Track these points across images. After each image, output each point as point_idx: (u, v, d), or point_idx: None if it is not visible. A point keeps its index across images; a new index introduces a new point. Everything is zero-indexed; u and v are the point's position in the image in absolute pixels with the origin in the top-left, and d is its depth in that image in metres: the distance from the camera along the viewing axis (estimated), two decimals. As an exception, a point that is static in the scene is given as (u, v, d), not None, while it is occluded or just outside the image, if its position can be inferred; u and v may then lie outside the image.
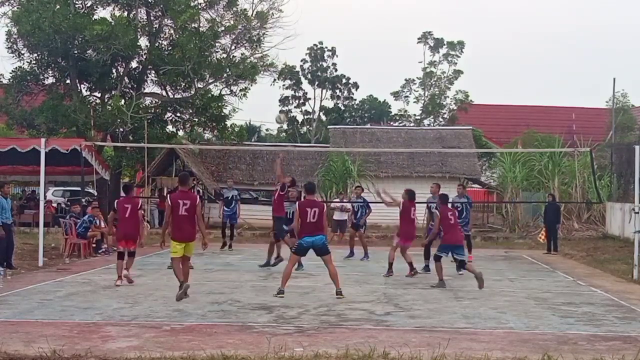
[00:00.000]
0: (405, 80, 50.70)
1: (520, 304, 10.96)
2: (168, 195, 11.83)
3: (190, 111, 28.38)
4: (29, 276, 13.48)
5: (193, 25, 26.59)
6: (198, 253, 15.95)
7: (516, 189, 28.35)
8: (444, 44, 49.03)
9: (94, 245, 17.85)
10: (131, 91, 27.20)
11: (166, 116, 28.50)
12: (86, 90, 27.66)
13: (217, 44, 27.30)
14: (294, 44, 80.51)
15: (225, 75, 27.34)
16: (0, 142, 17.71)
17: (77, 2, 26.19)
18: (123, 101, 25.63)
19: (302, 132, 52.07)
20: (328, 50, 51.42)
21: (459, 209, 16.61)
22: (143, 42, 27.27)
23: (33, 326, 8.77)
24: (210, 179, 28.76)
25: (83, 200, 20.12)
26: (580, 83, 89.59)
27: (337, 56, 51.56)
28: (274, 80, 40.26)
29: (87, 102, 26.84)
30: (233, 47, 27.94)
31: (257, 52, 28.12)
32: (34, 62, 26.44)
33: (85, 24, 24.23)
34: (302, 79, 51.58)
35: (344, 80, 52.15)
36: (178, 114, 28.66)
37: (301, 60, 51.08)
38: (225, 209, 19.49)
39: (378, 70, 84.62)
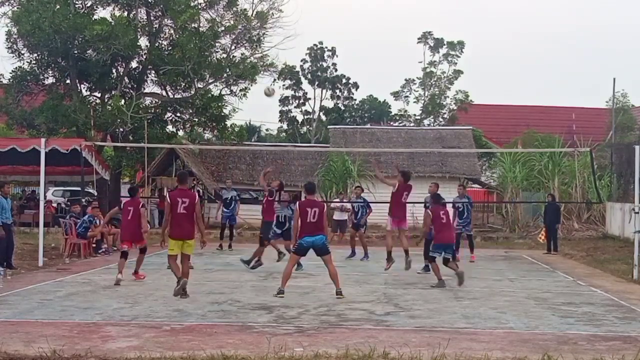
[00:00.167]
0: (405, 80, 50.75)
1: (520, 304, 10.96)
2: (167, 193, 11.90)
3: (190, 111, 28.37)
4: (29, 276, 13.48)
5: (193, 25, 26.59)
6: (198, 253, 15.96)
7: (516, 189, 28.35)
8: (444, 44, 49.02)
9: (94, 245, 17.85)
10: (131, 91, 27.19)
11: (166, 116, 28.50)
12: (86, 90, 27.66)
13: (217, 44, 27.31)
14: (294, 44, 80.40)
15: (225, 75, 27.34)
16: (0, 142, 17.69)
17: (77, 2, 26.17)
18: (123, 101, 25.62)
19: (302, 132, 52.07)
20: (328, 50, 51.45)
21: (460, 209, 16.65)
22: (143, 42, 27.27)
23: (33, 326, 8.77)
24: (210, 179, 28.76)
25: (83, 200, 20.11)
26: (580, 83, 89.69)
27: (337, 56, 51.64)
28: (274, 80, 40.23)
29: (87, 102, 26.83)
30: (233, 47, 27.94)
31: (257, 52, 28.12)
32: (34, 62, 26.43)
33: (85, 24, 24.22)
34: (302, 79, 51.59)
35: (344, 80, 52.16)
36: (178, 114, 28.66)
37: (301, 60, 51.17)
38: (225, 210, 19.50)
39: (378, 70, 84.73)
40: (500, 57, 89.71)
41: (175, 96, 28.35)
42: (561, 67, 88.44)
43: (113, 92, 26.96)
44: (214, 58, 27.37)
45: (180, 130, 30.00)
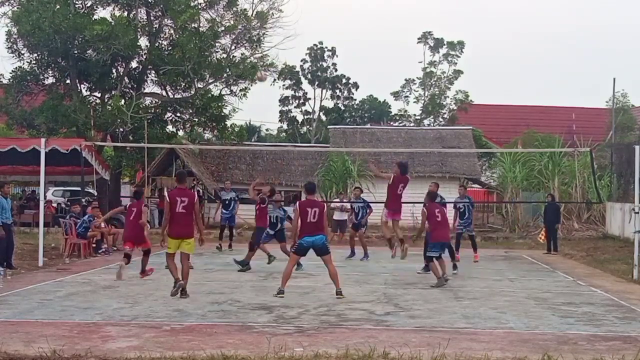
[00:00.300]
0: (405, 80, 50.77)
1: (520, 304, 10.96)
2: (165, 193, 11.97)
3: (190, 111, 28.37)
4: (29, 276, 13.48)
5: (193, 25, 26.59)
6: (198, 253, 15.97)
7: (516, 189, 28.36)
8: (444, 44, 49.04)
9: (94, 245, 17.85)
10: (131, 91, 27.20)
11: (166, 116, 28.50)
12: (86, 90, 27.66)
13: (217, 44, 27.31)
14: (294, 44, 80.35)
15: (225, 75, 27.35)
16: (0, 142, 17.68)
17: (77, 2, 26.17)
18: (123, 101, 25.62)
19: (302, 132, 52.07)
20: (328, 50, 51.45)
21: (461, 210, 16.66)
22: (143, 42, 27.28)
23: (33, 326, 8.77)
24: (210, 179, 28.76)
25: (83, 200, 20.10)
26: (580, 83, 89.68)
27: (337, 56, 51.65)
28: (274, 80, 40.30)
29: (87, 102, 26.83)
30: (233, 47, 27.95)
31: (257, 52, 28.13)
32: (34, 62, 26.43)
33: (85, 24, 24.22)
34: (302, 79, 51.60)
35: (344, 80, 52.16)
36: (178, 114, 28.66)
37: (301, 60, 51.18)
38: (224, 211, 19.48)
39: (378, 70, 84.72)
40: (500, 57, 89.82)
41: (175, 96, 28.35)
42: (561, 67, 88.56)
43: (113, 92, 26.96)
44: (214, 58, 27.37)
45: (180, 130, 30.01)
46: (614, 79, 33.62)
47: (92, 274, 13.90)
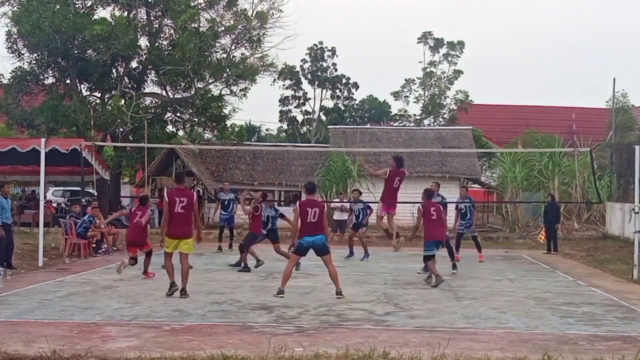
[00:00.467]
0: (405, 80, 50.73)
1: (520, 304, 10.96)
2: (165, 193, 12.04)
3: (190, 111, 28.40)
4: (29, 276, 13.48)
5: (193, 25, 26.61)
6: (198, 253, 15.98)
7: (516, 189, 28.35)
8: (444, 44, 49.02)
9: (94, 245, 17.84)
10: (131, 91, 27.22)
11: (166, 116, 28.52)
12: (86, 90, 27.69)
13: (217, 44, 27.32)
14: (294, 44, 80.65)
15: (225, 75, 27.36)
16: (0, 142, 17.68)
17: (77, 2, 26.20)
18: (123, 101, 25.65)
19: (302, 132, 52.07)
20: (328, 50, 51.44)
21: (462, 210, 16.66)
22: (143, 42, 27.32)
23: (33, 326, 8.77)
24: (210, 179, 28.76)
25: (83, 200, 20.11)
26: (580, 83, 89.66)
27: (337, 56, 51.63)
28: (274, 80, 40.30)
29: (87, 102, 26.86)
30: (233, 47, 27.97)
31: (257, 52, 28.16)
32: (34, 62, 26.46)
33: (85, 24, 24.24)
34: (302, 79, 51.58)
35: (344, 80, 52.15)
36: (178, 114, 28.69)
37: (301, 60, 51.15)
38: (223, 212, 19.46)
39: (378, 70, 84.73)
40: (500, 57, 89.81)
41: (175, 96, 28.38)
42: (561, 67, 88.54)
43: (113, 92, 26.99)
44: (214, 58, 27.38)
45: (180, 130, 30.04)
46: (614, 79, 33.65)
47: (92, 274, 13.89)
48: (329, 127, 39.70)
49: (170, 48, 27.26)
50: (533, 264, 17.30)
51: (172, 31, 27.53)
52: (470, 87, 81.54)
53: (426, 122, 48.48)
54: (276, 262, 14.44)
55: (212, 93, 28.13)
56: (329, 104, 52.84)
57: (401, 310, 10.30)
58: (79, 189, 24.94)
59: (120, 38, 24.14)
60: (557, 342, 8.24)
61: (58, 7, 24.58)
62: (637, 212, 14.13)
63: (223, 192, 20.49)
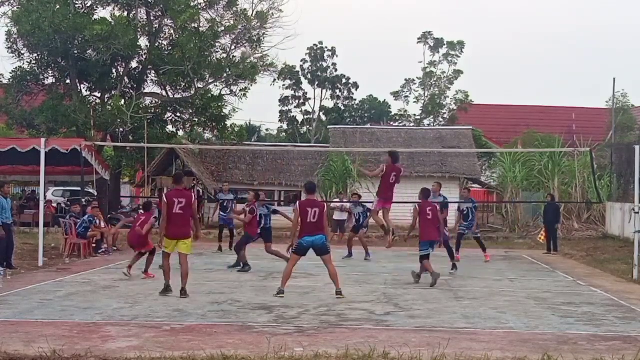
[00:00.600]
0: (405, 80, 50.78)
1: (520, 304, 10.96)
2: (164, 194, 12.13)
3: (190, 111, 28.40)
4: (29, 276, 13.48)
5: (193, 25, 26.61)
6: (198, 253, 16.00)
7: (516, 189, 28.36)
8: (444, 44, 49.04)
9: (94, 245, 17.84)
10: (131, 91, 27.21)
11: (166, 116, 28.52)
12: (86, 90, 27.68)
13: (217, 44, 27.32)
14: (294, 44, 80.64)
15: (225, 75, 27.36)
16: (0, 142, 17.69)
17: (77, 2, 26.19)
18: (123, 101, 25.64)
19: (302, 132, 52.07)
20: (328, 50, 51.47)
21: (464, 212, 16.67)
22: (143, 42, 27.31)
23: (33, 326, 8.77)
24: (210, 179, 28.76)
25: (83, 200, 20.12)
26: (580, 83, 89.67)
27: (337, 56, 51.67)
28: (274, 80, 40.31)
29: (87, 102, 26.86)
30: (233, 47, 27.97)
31: (257, 52, 28.16)
32: (34, 62, 26.45)
33: (85, 24, 24.23)
34: (302, 79, 51.61)
35: (344, 80, 52.17)
36: (178, 114, 28.68)
37: (301, 60, 51.20)
38: (222, 213, 19.47)
39: (378, 70, 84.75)
40: (500, 57, 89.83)
41: (175, 96, 28.37)
42: (561, 67, 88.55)
43: (113, 92, 26.99)
44: (214, 58, 27.38)
45: (180, 130, 30.04)
46: (614, 79, 33.66)
47: (92, 274, 13.90)
48: (329, 127, 39.72)
49: (170, 48, 27.26)
50: (533, 264, 17.30)
51: (172, 31, 27.53)
52: (470, 87, 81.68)
53: (426, 122, 48.50)
54: (276, 262, 14.44)
55: (212, 93, 28.13)
56: (329, 104, 52.96)
57: (401, 310, 10.30)
58: (79, 189, 24.96)
59: (120, 38, 24.14)
60: (557, 342, 8.24)
61: (58, 7, 24.57)
62: (637, 212, 14.14)
63: (222, 192, 20.49)
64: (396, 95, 51.18)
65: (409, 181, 25.93)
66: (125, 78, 27.52)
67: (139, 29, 26.69)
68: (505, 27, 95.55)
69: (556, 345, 8.05)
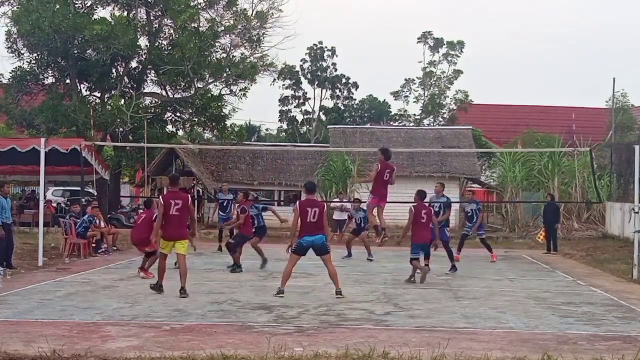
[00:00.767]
0: (405, 80, 50.78)
1: (520, 304, 10.96)
2: (160, 196, 12.18)
3: (190, 111, 28.41)
4: (29, 276, 13.48)
5: (193, 25, 26.62)
6: (198, 253, 16.00)
7: (516, 189, 28.36)
8: (444, 44, 49.04)
9: (94, 245, 17.84)
10: (131, 91, 27.22)
11: (166, 116, 28.52)
12: (86, 90, 27.69)
13: (217, 44, 27.32)
14: (294, 44, 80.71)
15: (225, 75, 27.37)
16: (0, 142, 17.69)
17: (77, 2, 26.21)
18: (123, 101, 25.65)
19: (302, 132, 52.07)
20: (328, 50, 51.47)
21: (469, 214, 16.68)
22: (143, 42, 27.33)
23: (33, 326, 8.76)
24: (210, 179, 28.77)
25: (83, 200, 20.12)
26: (580, 83, 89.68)
27: (337, 56, 51.68)
28: (274, 80, 40.32)
29: (87, 102, 26.87)
30: (233, 47, 27.96)
31: (257, 52, 28.17)
32: (34, 62, 26.46)
33: (85, 24, 24.24)
34: (302, 79, 51.60)
35: (344, 80, 52.17)
36: (178, 114, 28.69)
37: (301, 60, 51.20)
38: (221, 213, 19.46)
39: (378, 70, 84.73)
40: (500, 57, 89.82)
41: (175, 96, 28.38)
42: (561, 67, 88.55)
43: (113, 92, 26.99)
44: (214, 58, 27.39)
45: (180, 130, 30.04)
46: (614, 79, 33.65)
47: (92, 274, 13.89)
48: (329, 127, 39.72)
49: (170, 48, 27.27)
50: (533, 264, 17.30)
51: (172, 31, 27.54)
52: (470, 87, 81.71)
53: (426, 122, 48.50)
54: (276, 262, 14.44)
55: (212, 93, 28.14)
56: (329, 104, 52.96)
57: (401, 310, 10.30)
58: (79, 189, 24.95)
59: (120, 38, 24.15)
60: (557, 342, 8.24)
61: (58, 7, 24.58)
62: (637, 212, 14.13)
63: (222, 192, 20.49)
64: (396, 95, 51.21)
65: (408, 181, 25.94)
66: (125, 78, 27.53)
67: (139, 29, 26.70)
68: (505, 27, 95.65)
69: (556, 345, 8.05)
